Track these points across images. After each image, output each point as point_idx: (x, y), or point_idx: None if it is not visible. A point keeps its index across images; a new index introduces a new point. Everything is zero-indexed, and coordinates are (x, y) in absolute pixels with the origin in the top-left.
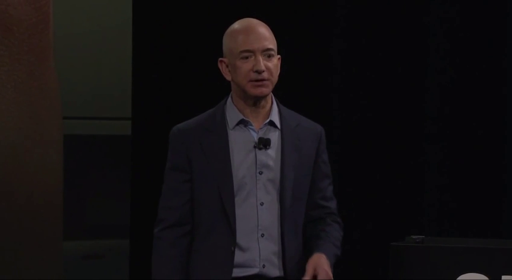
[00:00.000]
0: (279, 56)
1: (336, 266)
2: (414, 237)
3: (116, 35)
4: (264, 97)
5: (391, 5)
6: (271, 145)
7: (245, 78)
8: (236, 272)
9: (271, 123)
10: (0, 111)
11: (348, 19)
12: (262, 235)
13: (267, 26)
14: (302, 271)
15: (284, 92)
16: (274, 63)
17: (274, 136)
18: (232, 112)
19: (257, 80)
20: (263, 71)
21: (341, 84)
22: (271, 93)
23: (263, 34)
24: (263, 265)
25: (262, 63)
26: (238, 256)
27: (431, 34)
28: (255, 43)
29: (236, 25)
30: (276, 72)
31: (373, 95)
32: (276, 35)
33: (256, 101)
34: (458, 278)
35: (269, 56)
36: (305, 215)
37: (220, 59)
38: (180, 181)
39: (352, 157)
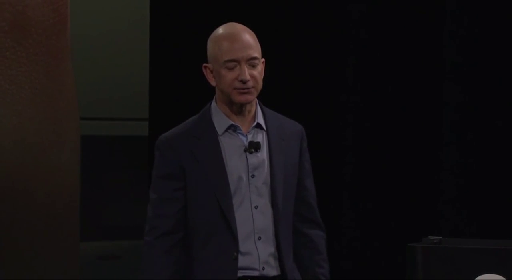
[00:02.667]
0: (263, 59)
1: (353, 267)
2: (431, 237)
3: (133, 36)
4: (249, 103)
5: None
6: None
7: (230, 86)
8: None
9: (258, 126)
10: (17, 112)
11: (362, 20)
12: (259, 238)
13: (251, 32)
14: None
15: (295, 92)
16: (259, 71)
17: (262, 138)
18: (219, 118)
19: (242, 88)
20: (248, 81)
21: (355, 85)
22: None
23: (248, 42)
24: (263, 267)
25: (247, 72)
26: (240, 260)
27: (447, 34)
28: (239, 52)
29: (220, 30)
30: (261, 78)
31: (389, 94)
32: (289, 36)
33: (241, 106)
34: (475, 279)
35: (254, 64)
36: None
37: (204, 64)
38: (173, 189)
39: (368, 158)
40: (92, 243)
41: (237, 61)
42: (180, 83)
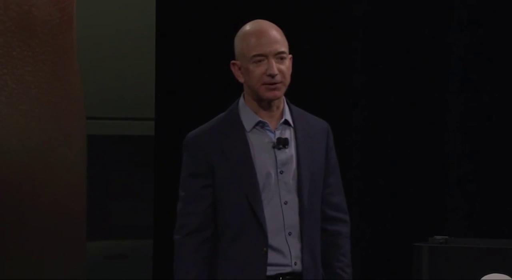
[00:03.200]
0: (290, 55)
1: (359, 266)
2: (437, 237)
3: (140, 36)
4: (277, 99)
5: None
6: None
7: (259, 82)
8: (269, 271)
9: (286, 122)
10: (24, 112)
11: (366, 18)
12: (290, 234)
13: (278, 28)
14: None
15: (302, 90)
16: (287, 65)
17: (289, 135)
18: (247, 115)
19: (270, 84)
20: (276, 75)
21: (362, 84)
22: None
23: (275, 37)
24: (295, 262)
25: (275, 66)
26: (271, 257)
27: (452, 32)
28: (267, 46)
29: (247, 27)
30: (289, 73)
31: (394, 94)
32: (295, 35)
33: (269, 103)
34: (482, 279)
35: (282, 58)
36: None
37: (233, 61)
38: (201, 186)
39: (375, 157)
40: (99, 243)
41: (264, 55)
42: (186, 83)
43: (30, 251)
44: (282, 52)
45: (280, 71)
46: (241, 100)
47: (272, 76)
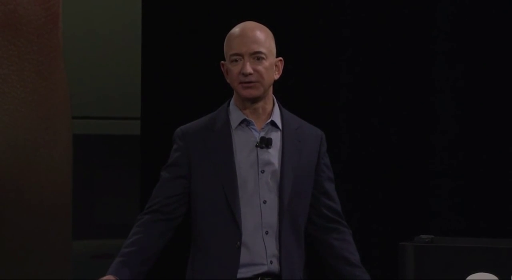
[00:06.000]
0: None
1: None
2: (423, 236)
3: (125, 35)
4: (255, 98)
5: (396, 7)
6: (273, 144)
7: (236, 80)
8: (245, 272)
9: (273, 124)
10: (9, 111)
11: (354, 20)
12: (267, 233)
13: (266, 29)
14: (300, 268)
15: (291, 93)
16: (265, 66)
17: (276, 136)
18: (235, 113)
19: (245, 82)
20: (249, 74)
21: (349, 84)
22: (273, 96)
23: (255, 37)
24: (271, 261)
25: (249, 66)
26: (246, 255)
27: (437, 35)
28: (243, 46)
29: (234, 29)
30: (268, 74)
31: (381, 95)
32: (283, 38)
33: (252, 102)
34: (467, 278)
35: (259, 58)
36: (315, 219)
37: (222, 62)
38: (173, 175)
39: (360, 157)
40: (85, 242)
41: (240, 54)
42: (172, 82)
43: (15, 250)
44: (259, 52)
45: (256, 70)
46: (232, 99)
47: (245, 75)
